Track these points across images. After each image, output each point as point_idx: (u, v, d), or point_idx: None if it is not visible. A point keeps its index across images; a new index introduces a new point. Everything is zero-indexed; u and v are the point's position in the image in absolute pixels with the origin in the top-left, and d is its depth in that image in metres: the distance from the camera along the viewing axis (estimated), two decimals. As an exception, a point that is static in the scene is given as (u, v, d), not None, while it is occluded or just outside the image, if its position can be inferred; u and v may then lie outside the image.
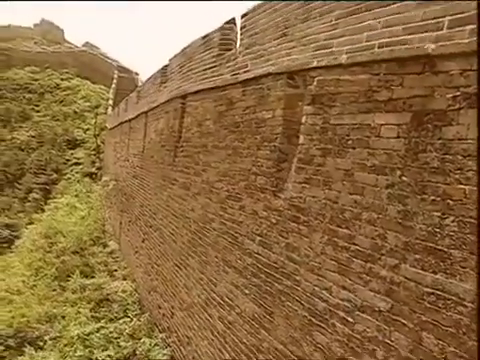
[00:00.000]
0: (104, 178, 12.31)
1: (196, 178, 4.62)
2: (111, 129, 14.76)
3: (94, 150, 19.00)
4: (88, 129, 20.39)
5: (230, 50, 4.23)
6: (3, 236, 12.85)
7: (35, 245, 9.26)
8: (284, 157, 3.04)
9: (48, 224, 10.32)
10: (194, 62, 5.11)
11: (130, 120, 9.76)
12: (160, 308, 5.58)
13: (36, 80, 23.52)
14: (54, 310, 6.18)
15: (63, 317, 6.01)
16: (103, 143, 18.65)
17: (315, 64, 2.73)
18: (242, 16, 3.95)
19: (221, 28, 4.44)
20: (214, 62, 4.44)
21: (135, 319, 5.58)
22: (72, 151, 19.35)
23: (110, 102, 20.27)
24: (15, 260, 9.56)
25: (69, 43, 31.17)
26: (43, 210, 14.67)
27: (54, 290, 7.11)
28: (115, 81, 23.13)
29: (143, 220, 7.13)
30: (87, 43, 33.30)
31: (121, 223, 9.36)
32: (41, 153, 18.68)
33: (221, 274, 3.78)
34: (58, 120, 21.09)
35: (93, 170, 17.89)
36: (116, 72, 24.53)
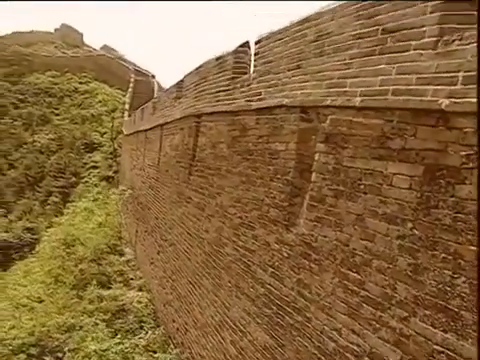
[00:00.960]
0: (121, 187, 12.57)
1: (210, 200, 4.68)
2: (127, 135, 15.02)
3: (111, 154, 19.40)
4: (105, 133, 20.84)
5: (244, 74, 4.27)
6: (24, 240, 13.32)
7: (54, 252, 9.57)
8: (297, 192, 3.07)
9: (67, 230, 10.63)
10: (208, 83, 5.17)
11: (146, 130, 9.93)
12: (174, 322, 5.69)
13: (56, 84, 24.21)
14: (72, 320, 6.40)
15: (81, 327, 6.21)
16: (120, 147, 19.00)
17: (329, 102, 2.74)
18: (256, 42, 3.98)
19: (235, 51, 4.48)
20: (228, 85, 4.49)
21: (150, 332, 5.70)
22: (90, 154, 19.82)
23: (126, 106, 20.62)
24: (36, 265, 9.92)
25: (88, 46, 31.83)
26: (62, 213, 15.13)
27: (72, 299, 7.35)
28: (132, 85, 23.51)
29: (158, 233, 7.26)
30: (105, 46, 33.93)
31: (137, 231, 9.55)
32: (60, 156, 19.22)
33: (234, 299, 3.84)
34: (76, 123, 21.65)
35: (110, 173, 18.27)
36: (133, 75, 24.90)
